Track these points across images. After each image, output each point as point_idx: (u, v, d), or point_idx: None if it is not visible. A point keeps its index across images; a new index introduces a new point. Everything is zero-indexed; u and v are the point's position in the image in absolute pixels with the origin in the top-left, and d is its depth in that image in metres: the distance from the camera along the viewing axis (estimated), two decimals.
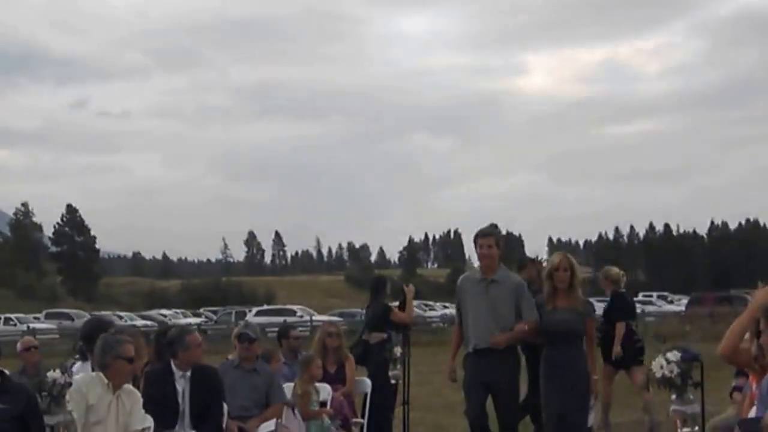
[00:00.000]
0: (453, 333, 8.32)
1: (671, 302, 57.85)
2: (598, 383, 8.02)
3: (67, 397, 5.76)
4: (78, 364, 7.26)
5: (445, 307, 55.61)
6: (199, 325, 39.93)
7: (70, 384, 5.82)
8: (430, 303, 62.78)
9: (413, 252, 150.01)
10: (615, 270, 10.93)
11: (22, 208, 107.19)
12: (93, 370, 6.44)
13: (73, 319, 49.32)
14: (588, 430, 7.86)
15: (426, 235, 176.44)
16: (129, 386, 6.45)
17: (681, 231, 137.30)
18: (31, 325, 39.25)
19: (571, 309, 7.44)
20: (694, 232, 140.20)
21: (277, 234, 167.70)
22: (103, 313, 46.34)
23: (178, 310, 63.99)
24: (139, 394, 6.45)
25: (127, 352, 6.26)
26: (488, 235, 7.84)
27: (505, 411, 7.75)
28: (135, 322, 39.79)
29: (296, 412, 8.02)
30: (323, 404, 8.31)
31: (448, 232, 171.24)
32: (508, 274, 7.96)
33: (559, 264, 7.46)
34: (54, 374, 5.76)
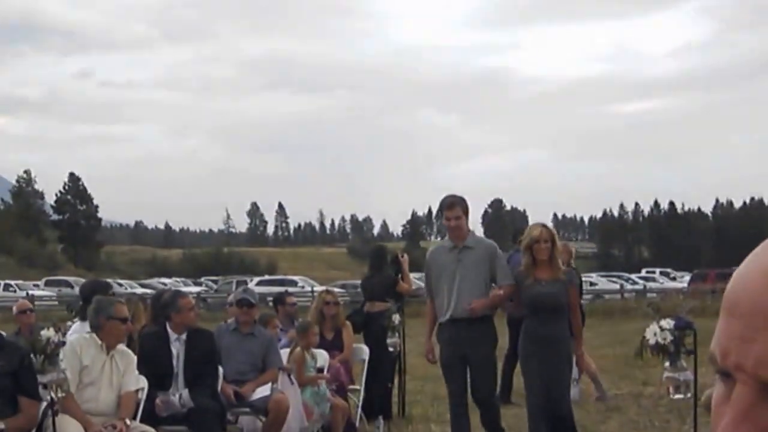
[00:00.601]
0: (426, 310, 7.87)
1: (674, 279, 57.87)
2: (583, 358, 7.74)
3: (61, 355, 5.77)
4: (77, 324, 7.30)
5: None
6: (199, 293, 40.04)
7: (64, 343, 5.83)
8: None
9: (416, 225, 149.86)
10: (566, 245, 11.07)
11: (25, 176, 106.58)
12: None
13: (72, 287, 49.11)
14: (569, 407, 7.48)
15: (429, 209, 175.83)
16: (123, 347, 6.50)
17: (686, 209, 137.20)
18: (31, 292, 39.29)
19: (553, 280, 7.13)
20: (699, 210, 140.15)
21: (280, 206, 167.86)
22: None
23: (178, 279, 64.06)
24: (133, 356, 6.51)
25: (120, 313, 6.32)
26: (453, 205, 7.41)
27: (482, 384, 7.42)
28: (135, 290, 39.82)
29: (292, 377, 8.04)
30: (320, 370, 8.32)
31: None
32: (480, 240, 7.82)
33: (540, 236, 7.13)
34: (48, 333, 5.75)
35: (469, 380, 7.42)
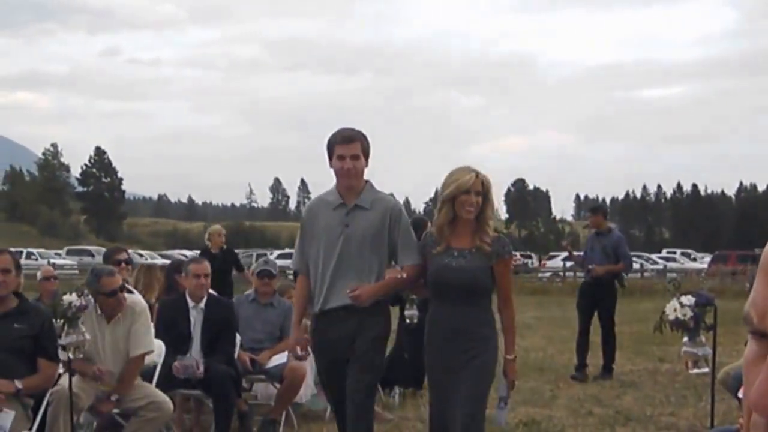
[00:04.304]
0: (296, 287, 5.77)
1: (694, 260, 57.65)
2: (513, 367, 5.35)
3: (81, 319, 5.83)
4: None
5: None
6: None
7: (86, 307, 5.88)
8: None
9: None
10: (219, 227, 12.50)
11: (51, 149, 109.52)
12: None
13: (93, 256, 49.73)
14: None
15: None
16: (130, 307, 6.45)
17: (709, 191, 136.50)
18: (52, 260, 39.54)
19: (475, 251, 5.10)
20: (722, 192, 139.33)
21: (302, 181, 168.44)
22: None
23: (198, 251, 64.50)
24: (143, 315, 6.48)
25: (105, 287, 6.27)
26: (350, 140, 5.28)
27: (358, 387, 5.24)
28: (155, 261, 40.12)
29: (309, 348, 8.06)
30: None
31: None
32: (380, 197, 5.41)
33: (470, 185, 5.03)
34: (70, 297, 5.81)
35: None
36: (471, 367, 5.02)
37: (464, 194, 5.03)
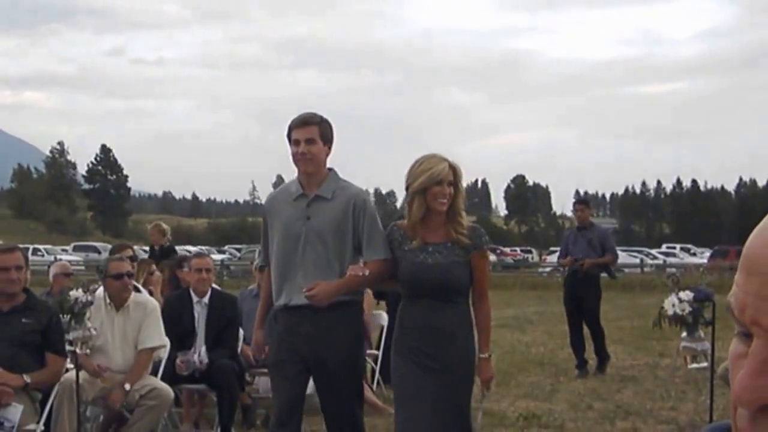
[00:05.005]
0: (261, 284, 5.37)
1: (694, 255, 57.67)
2: (488, 367, 4.85)
3: (88, 314, 5.93)
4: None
5: None
6: (222, 261, 40.45)
7: (92, 302, 5.99)
8: None
9: None
10: (164, 225, 12.39)
11: (58, 147, 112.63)
12: None
13: (99, 252, 49.99)
14: None
15: None
16: (140, 299, 6.63)
17: (708, 187, 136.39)
18: (59, 257, 39.61)
19: (451, 245, 4.76)
20: (722, 188, 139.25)
21: None
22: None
23: (203, 247, 64.68)
24: (153, 310, 6.62)
25: (113, 269, 6.55)
26: (305, 123, 4.89)
27: (336, 398, 4.88)
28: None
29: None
30: None
31: (476, 181, 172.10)
32: (341, 185, 4.99)
33: (443, 175, 4.69)
34: (76, 293, 5.91)
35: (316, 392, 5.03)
36: (447, 372, 4.61)
37: (437, 185, 4.69)
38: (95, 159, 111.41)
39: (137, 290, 6.88)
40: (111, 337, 6.43)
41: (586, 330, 10.83)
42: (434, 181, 4.67)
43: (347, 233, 4.88)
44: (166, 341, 6.79)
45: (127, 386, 6.27)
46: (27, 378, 5.72)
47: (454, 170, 4.73)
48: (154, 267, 8.89)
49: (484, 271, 4.90)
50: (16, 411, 5.62)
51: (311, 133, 4.85)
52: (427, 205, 4.71)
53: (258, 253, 4.95)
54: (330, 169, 4.98)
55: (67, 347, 5.94)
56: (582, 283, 10.67)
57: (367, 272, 4.81)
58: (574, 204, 11.63)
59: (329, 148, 4.94)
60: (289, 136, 4.92)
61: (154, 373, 6.72)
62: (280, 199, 5.09)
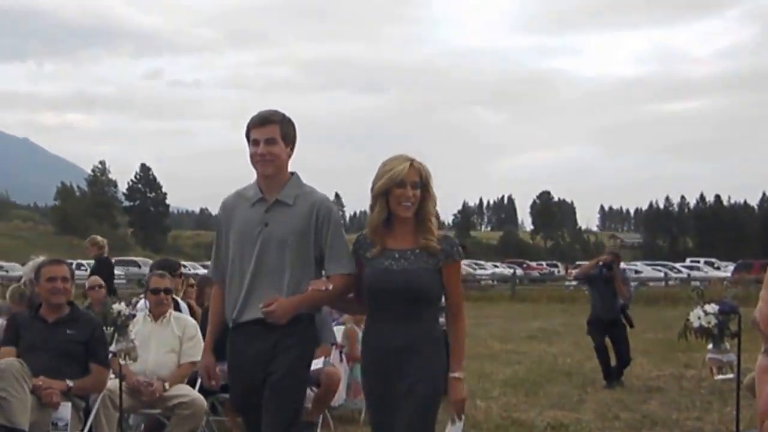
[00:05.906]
0: (211, 296, 4.91)
1: (718, 268, 57.41)
2: (458, 387, 4.25)
3: (130, 327, 6.16)
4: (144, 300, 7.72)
5: (495, 266, 61.58)
6: None
7: (134, 316, 6.24)
8: (481, 262, 65.20)
9: (467, 215, 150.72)
10: (99, 238, 13.09)
11: (100, 166, 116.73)
12: None
13: (140, 266, 50.97)
14: None
15: (480, 200, 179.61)
16: (182, 320, 6.95)
17: (732, 202, 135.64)
18: None
19: (419, 251, 4.25)
20: (745, 202, 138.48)
21: (336, 195, 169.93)
22: None
23: None
24: (193, 325, 6.93)
25: (153, 284, 6.99)
26: (265, 121, 4.45)
27: (271, 416, 4.34)
28: (198, 271, 40.81)
29: (343, 354, 8.30)
30: None
31: (502, 197, 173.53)
32: (305, 191, 4.53)
33: (405, 175, 4.21)
34: (119, 306, 6.15)
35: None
36: (413, 397, 4.12)
37: (398, 187, 4.21)
38: (135, 177, 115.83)
39: (176, 304, 7.14)
40: (148, 343, 6.71)
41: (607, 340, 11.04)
42: (395, 182, 4.21)
43: (308, 243, 4.42)
44: None
45: (167, 385, 6.56)
46: (70, 383, 5.96)
47: (419, 171, 4.26)
48: (192, 280, 9.15)
49: (458, 285, 4.37)
50: (66, 410, 5.91)
51: (272, 133, 4.43)
52: (390, 209, 4.27)
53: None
54: (292, 173, 4.55)
55: (111, 358, 6.18)
56: (607, 326, 11.08)
57: (330, 287, 4.35)
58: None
59: (291, 150, 4.51)
60: (247, 135, 4.49)
61: (192, 383, 6.92)
62: (236, 204, 4.60)
